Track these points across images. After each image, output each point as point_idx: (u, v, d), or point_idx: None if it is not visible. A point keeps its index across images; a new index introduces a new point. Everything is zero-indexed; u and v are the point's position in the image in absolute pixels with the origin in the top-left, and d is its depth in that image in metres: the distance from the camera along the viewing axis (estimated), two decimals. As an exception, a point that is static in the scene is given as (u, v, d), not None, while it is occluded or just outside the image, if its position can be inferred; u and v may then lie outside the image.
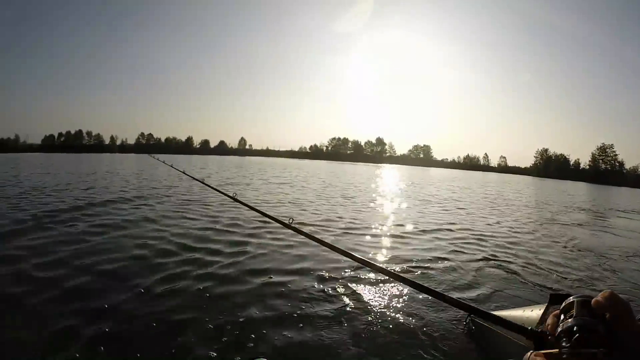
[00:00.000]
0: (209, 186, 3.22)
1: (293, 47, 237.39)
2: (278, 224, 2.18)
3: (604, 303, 0.46)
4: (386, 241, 4.95)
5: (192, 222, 5.18)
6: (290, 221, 2.02)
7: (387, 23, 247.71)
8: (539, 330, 0.54)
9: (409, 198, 11.47)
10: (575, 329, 0.44)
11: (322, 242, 1.72)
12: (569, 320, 0.46)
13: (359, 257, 1.48)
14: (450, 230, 6.00)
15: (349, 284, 3.12)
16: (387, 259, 4.00)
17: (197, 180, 3.59)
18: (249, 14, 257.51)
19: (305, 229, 2.33)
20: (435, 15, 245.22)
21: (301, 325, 2.40)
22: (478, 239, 5.35)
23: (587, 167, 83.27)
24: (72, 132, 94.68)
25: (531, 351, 0.48)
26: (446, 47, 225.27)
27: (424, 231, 5.70)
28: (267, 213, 2.36)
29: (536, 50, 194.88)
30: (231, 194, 2.62)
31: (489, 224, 7.05)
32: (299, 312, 2.58)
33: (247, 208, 2.48)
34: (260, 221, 5.05)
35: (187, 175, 4.30)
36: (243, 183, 13.17)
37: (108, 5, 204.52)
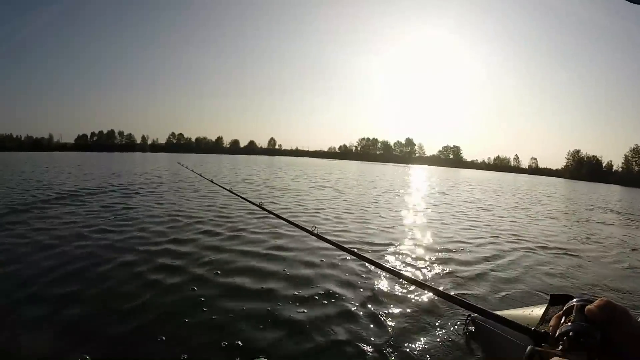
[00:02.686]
0: (237, 195, 3.43)
1: (322, 48, 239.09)
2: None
3: (597, 312, 0.47)
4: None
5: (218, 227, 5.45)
6: (313, 228, 2.14)
7: (419, 22, 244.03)
8: (542, 330, 0.57)
9: (476, 209, 10.15)
10: (571, 334, 0.47)
11: (342, 247, 1.81)
12: (568, 323, 0.49)
13: (371, 258, 1.57)
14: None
15: (354, 286, 3.23)
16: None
17: (226, 189, 3.82)
18: (278, 14, 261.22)
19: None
20: (468, 15, 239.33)
21: (302, 325, 2.51)
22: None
23: (620, 169, 79.14)
24: (105, 131, 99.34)
25: (531, 345, 0.49)
26: (478, 46, 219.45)
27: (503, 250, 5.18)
28: (292, 220, 2.49)
29: (572, 48, 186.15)
30: (257, 203, 2.78)
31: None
32: (300, 312, 2.70)
33: (273, 216, 2.63)
34: (285, 228, 5.14)
35: (217, 184, 4.55)
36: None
37: (141, 6, 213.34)
